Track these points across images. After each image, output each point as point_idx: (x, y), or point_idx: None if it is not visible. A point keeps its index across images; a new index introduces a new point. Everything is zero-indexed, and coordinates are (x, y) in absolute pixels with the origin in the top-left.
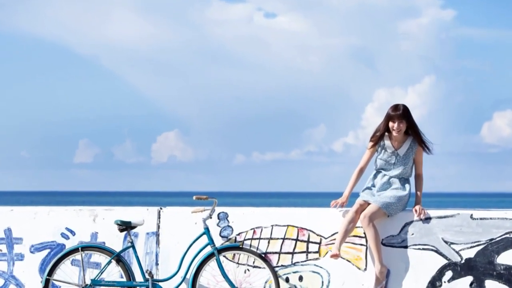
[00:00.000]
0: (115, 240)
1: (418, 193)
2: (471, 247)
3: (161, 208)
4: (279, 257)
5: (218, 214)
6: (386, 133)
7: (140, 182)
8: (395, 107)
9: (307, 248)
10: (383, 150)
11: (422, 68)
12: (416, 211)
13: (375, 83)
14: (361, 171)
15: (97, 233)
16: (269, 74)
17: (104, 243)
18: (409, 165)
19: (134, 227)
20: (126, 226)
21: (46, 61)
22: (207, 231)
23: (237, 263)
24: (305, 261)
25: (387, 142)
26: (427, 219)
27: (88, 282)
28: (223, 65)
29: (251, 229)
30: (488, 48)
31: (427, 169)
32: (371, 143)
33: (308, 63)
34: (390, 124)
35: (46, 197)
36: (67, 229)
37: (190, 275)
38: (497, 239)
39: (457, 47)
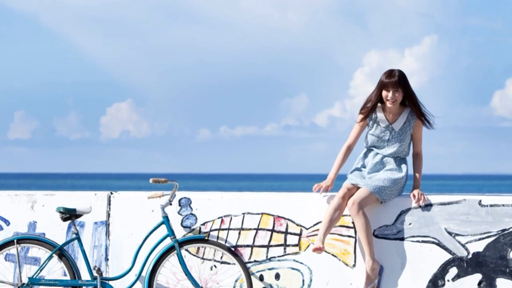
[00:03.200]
0: (57, 231)
1: (417, 175)
2: (480, 239)
3: (111, 193)
4: (251, 251)
5: (179, 200)
6: (379, 104)
7: (87, 162)
8: (390, 73)
9: (285, 240)
10: (375, 124)
11: (421, 26)
12: (414, 196)
13: (366, 44)
14: (349, 149)
15: (36, 222)
16: (239, 33)
17: (44, 234)
18: (406, 142)
19: (80, 215)
20: (70, 215)
21: None
22: (166, 220)
23: (202, 258)
24: (283, 255)
25: (380, 115)
26: (428, 206)
27: (25, 280)
28: (184, 23)
29: (219, 217)
30: (500, 3)
31: (428, 146)
32: (361, 116)
33: (286, 21)
34: (384, 93)
35: None
36: (0, 218)
37: (146, 273)
38: (510, 229)
39: (463, 2)
